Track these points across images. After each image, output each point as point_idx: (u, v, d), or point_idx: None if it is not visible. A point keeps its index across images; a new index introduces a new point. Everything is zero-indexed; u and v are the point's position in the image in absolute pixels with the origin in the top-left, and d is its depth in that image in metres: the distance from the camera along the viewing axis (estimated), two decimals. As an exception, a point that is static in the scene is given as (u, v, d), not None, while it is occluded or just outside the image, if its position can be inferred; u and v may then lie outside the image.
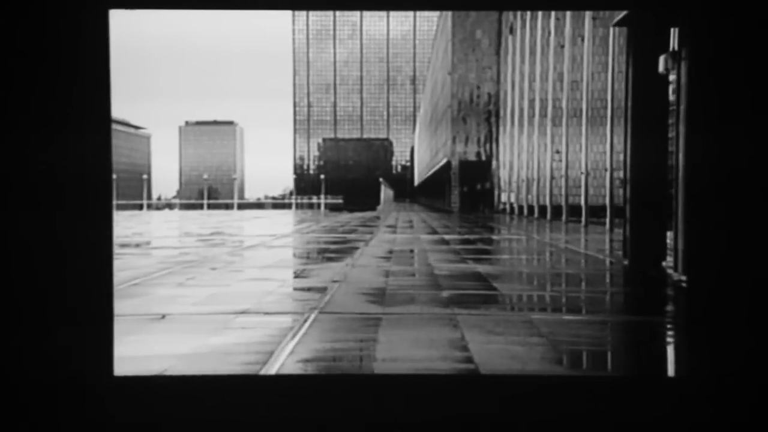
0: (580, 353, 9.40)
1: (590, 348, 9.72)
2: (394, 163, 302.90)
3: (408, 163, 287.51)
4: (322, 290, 14.73)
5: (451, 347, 9.37)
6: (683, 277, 17.45)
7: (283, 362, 8.30)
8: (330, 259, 22.69)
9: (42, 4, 4.49)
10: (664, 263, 19.63)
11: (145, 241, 30.61)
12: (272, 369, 7.99)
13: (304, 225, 52.61)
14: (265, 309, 12.24)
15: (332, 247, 28.87)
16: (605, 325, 11.38)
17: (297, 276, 17.70)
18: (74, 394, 4.62)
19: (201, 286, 15.41)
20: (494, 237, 35.02)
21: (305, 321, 11.03)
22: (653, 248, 20.39)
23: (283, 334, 9.84)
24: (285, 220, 60.97)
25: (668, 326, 11.79)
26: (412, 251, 25.69)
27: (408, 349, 9.35)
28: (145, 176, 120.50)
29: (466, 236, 35.92)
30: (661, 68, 19.46)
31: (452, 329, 10.55)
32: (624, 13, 21.55)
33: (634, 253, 20.98)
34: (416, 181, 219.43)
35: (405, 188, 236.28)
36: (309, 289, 15.28)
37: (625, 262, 20.93)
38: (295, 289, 15.17)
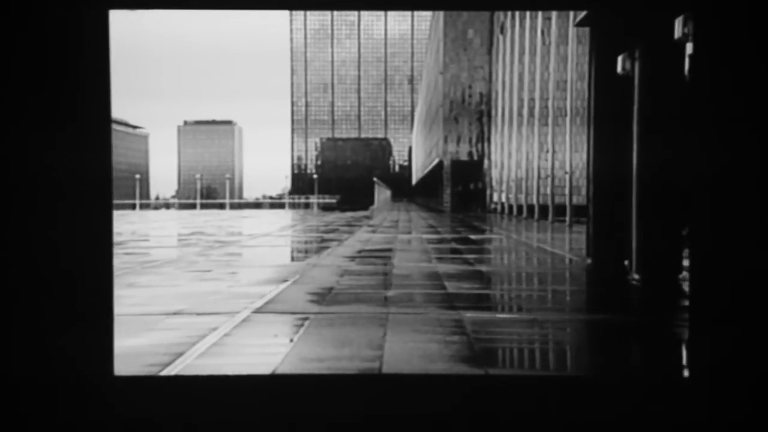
0: (493, 351, 9.49)
1: (508, 345, 9.82)
2: (392, 162, 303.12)
3: (406, 163, 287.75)
4: (271, 290, 14.83)
5: (366, 346, 9.47)
6: (636, 276, 17.57)
7: (189, 363, 8.39)
8: (295, 258, 22.83)
9: (42, 4, 4.52)
10: (626, 262, 19.72)
11: (120, 242, 30.70)
12: (173, 371, 8.08)
13: (288, 224, 52.74)
14: (200, 309, 12.34)
15: (304, 246, 29.01)
16: (534, 323, 11.44)
17: (253, 275, 17.80)
18: (74, 394, 4.65)
19: (149, 287, 15.52)
20: (472, 236, 35.10)
21: (234, 321, 11.14)
22: (614, 247, 20.47)
23: (203, 335, 9.93)
24: (272, 220, 61.04)
25: (604, 324, 11.89)
26: (381, 250, 25.79)
27: (320, 348, 9.45)
28: (137, 176, 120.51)
29: (444, 236, 36.02)
30: (619, 69, 19.51)
31: (378, 328, 10.65)
32: (585, 12, 21.65)
33: (596, 252, 21.05)
34: (414, 181, 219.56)
35: (403, 188, 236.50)
36: (258, 289, 15.33)
37: (588, 261, 21.00)
38: (244, 288, 15.26)
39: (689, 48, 16.57)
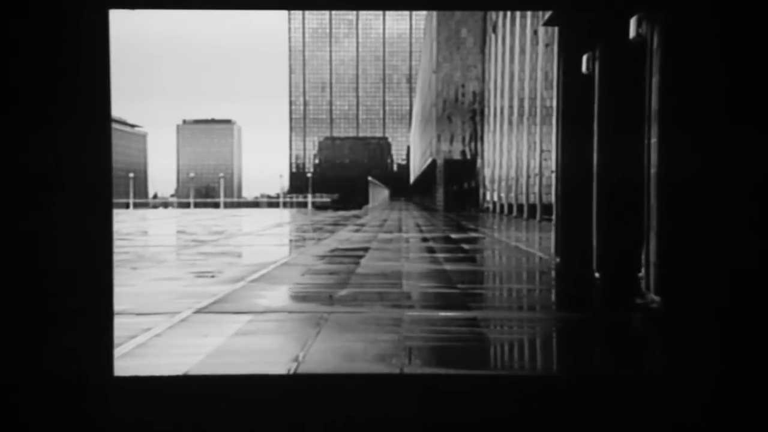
0: (419, 349, 9.51)
1: (436, 344, 9.84)
2: (390, 161, 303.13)
3: (404, 162, 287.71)
4: (224, 289, 14.84)
5: (292, 345, 9.51)
6: (597, 274, 17.61)
7: (106, 361, 8.41)
8: (265, 257, 22.81)
9: (42, 4, 4.55)
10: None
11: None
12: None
13: (275, 223, 52.73)
14: (143, 310, 12.34)
15: (279, 245, 29.01)
16: (473, 321, 11.45)
17: (213, 274, 17.83)
18: (74, 394, 4.66)
19: (104, 286, 15.52)
20: (453, 236, 35.11)
21: (172, 321, 11.17)
22: (580, 245, 20.50)
23: (132, 336, 9.94)
24: (261, 219, 61.06)
25: (543, 321, 11.94)
26: (356, 249, 25.81)
27: (245, 347, 9.48)
28: (131, 174, 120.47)
29: (426, 234, 36.06)
30: (584, 68, 19.53)
31: (313, 327, 10.68)
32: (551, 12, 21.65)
33: (564, 250, 21.08)
34: (412, 180, 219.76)
35: (402, 187, 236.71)
36: (212, 288, 15.35)
37: (557, 260, 21.03)
38: (199, 288, 15.28)
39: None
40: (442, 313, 12.35)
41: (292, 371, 8.10)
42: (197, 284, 16.09)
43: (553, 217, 48.15)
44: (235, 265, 20.37)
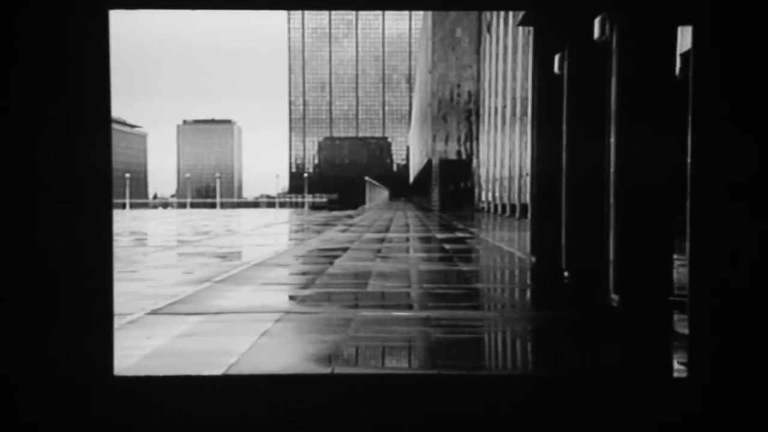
0: (358, 350, 9.52)
1: (378, 344, 9.85)
2: (390, 161, 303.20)
3: (405, 162, 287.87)
4: (187, 290, 14.85)
5: (232, 346, 9.50)
6: (566, 273, 17.60)
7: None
8: (242, 258, 22.89)
9: (42, 4, 4.55)
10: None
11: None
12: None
13: (265, 224, 52.75)
14: (98, 309, 12.35)
15: (261, 245, 28.99)
16: (424, 321, 11.45)
17: (183, 275, 17.85)
18: (74, 394, 4.66)
19: (67, 287, 15.52)
20: (438, 236, 35.12)
21: (120, 322, 11.17)
22: (555, 246, 20.49)
23: (75, 334, 9.95)
24: (253, 219, 61.10)
25: (494, 321, 11.94)
26: (335, 249, 25.82)
27: (183, 349, 9.48)
28: (128, 175, 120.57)
29: (412, 234, 36.08)
30: (556, 68, 19.53)
31: (262, 327, 10.68)
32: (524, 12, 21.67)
33: (540, 250, 21.07)
34: (411, 180, 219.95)
35: (402, 187, 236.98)
36: (175, 290, 15.35)
37: (533, 260, 21.01)
38: (161, 289, 15.28)
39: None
40: (396, 313, 12.36)
41: (221, 373, 8.09)
42: (162, 285, 16.08)
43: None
44: (208, 266, 20.36)
